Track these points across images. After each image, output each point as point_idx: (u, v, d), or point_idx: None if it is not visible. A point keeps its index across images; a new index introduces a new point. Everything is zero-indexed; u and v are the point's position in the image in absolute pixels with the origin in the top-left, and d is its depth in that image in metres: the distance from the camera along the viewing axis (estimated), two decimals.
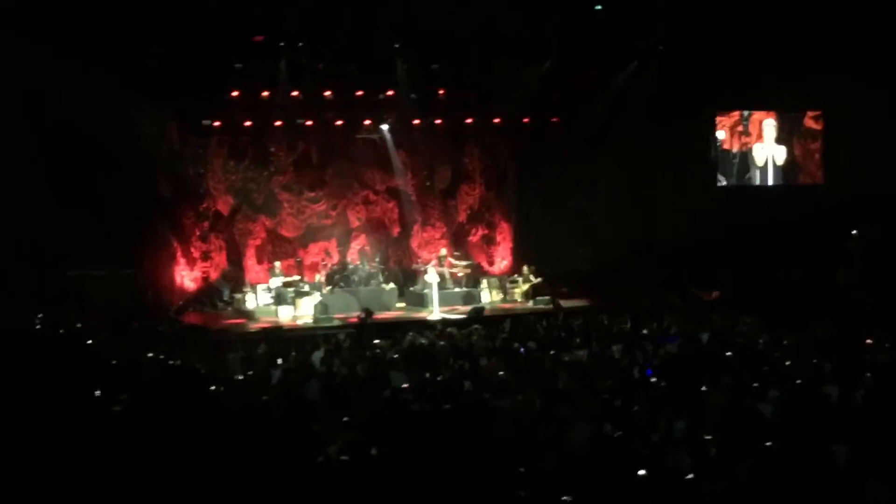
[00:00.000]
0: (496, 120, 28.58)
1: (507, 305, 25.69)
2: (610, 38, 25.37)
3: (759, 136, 29.59)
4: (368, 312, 22.05)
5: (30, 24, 20.22)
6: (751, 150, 29.52)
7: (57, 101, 21.18)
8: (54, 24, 20.43)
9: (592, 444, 10.12)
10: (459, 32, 24.13)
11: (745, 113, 29.39)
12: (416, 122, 27.73)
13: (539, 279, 25.99)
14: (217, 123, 25.88)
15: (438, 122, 28.06)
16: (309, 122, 26.76)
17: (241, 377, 15.15)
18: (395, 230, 28.44)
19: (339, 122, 26.98)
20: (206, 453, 9.94)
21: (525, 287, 26.00)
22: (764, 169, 29.65)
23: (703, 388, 12.77)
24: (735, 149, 29.48)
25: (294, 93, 25.53)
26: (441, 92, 27.28)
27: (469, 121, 28.34)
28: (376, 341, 18.07)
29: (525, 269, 26.55)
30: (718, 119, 29.03)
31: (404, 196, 28.30)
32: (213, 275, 26.31)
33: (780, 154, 29.64)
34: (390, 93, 26.52)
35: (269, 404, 12.79)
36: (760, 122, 29.62)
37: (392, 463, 9.76)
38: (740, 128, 29.68)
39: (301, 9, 22.69)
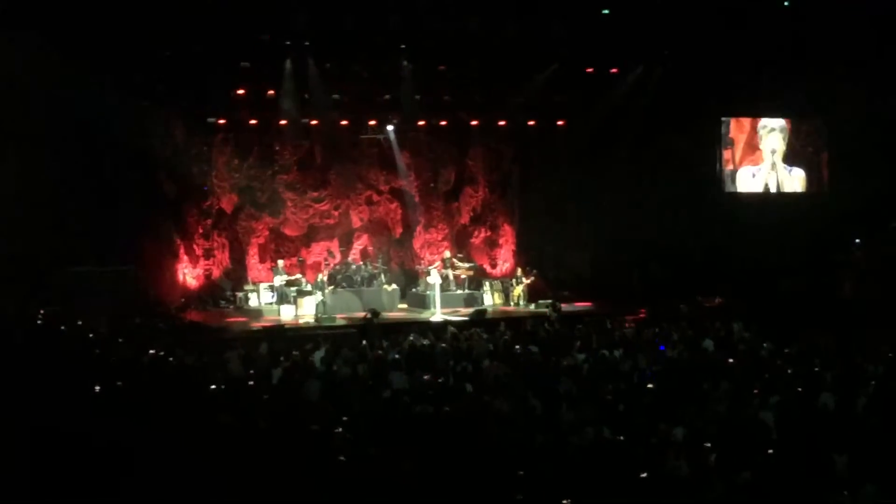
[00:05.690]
0: (501, 122, 28.51)
1: (509, 308, 25.62)
2: (616, 42, 25.31)
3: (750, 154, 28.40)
4: (375, 312, 22.02)
5: (36, 23, 20.16)
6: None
7: (62, 99, 21.15)
8: (60, 23, 20.38)
9: (592, 449, 10.11)
10: (466, 34, 24.08)
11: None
12: (421, 123, 27.68)
13: (532, 279, 25.91)
14: (222, 121, 25.88)
15: (443, 123, 27.97)
16: (314, 122, 26.70)
17: (241, 376, 15.15)
18: (398, 231, 28.38)
19: (343, 122, 26.91)
20: (204, 451, 9.94)
21: (519, 289, 25.94)
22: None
23: (704, 395, 12.76)
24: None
25: (299, 92, 25.51)
26: (446, 93, 27.23)
27: (474, 123, 28.25)
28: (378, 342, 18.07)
29: (519, 271, 26.50)
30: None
31: (407, 197, 28.22)
32: (216, 273, 26.30)
33: (791, 179, 28.49)
34: (396, 93, 26.47)
35: (269, 403, 12.78)
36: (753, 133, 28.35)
37: (391, 464, 9.75)
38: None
39: (308, 8, 22.68)
